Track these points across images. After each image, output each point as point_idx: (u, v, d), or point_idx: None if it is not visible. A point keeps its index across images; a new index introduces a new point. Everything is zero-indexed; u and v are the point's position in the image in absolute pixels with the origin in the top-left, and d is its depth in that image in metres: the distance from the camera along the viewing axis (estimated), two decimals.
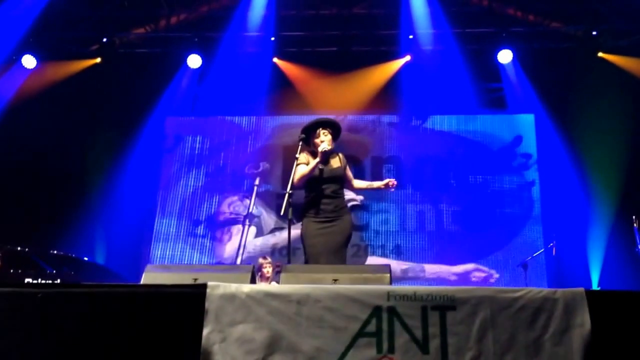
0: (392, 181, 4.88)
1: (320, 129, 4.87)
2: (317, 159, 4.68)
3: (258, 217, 9.08)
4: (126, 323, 2.95)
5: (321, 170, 4.73)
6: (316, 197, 4.71)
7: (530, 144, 9.09)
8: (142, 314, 2.96)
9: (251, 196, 9.01)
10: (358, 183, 5.11)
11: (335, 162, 4.87)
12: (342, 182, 4.85)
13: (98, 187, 8.79)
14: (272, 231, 9.04)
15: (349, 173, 5.00)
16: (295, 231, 4.67)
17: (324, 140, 4.79)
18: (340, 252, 4.59)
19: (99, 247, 8.63)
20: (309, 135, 4.90)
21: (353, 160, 8.96)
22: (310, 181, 4.73)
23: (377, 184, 5.06)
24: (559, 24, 8.99)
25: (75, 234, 8.03)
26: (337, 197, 4.74)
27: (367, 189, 5.14)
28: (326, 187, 4.72)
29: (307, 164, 4.73)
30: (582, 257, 8.12)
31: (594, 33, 8.83)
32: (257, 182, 9.05)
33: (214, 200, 9.29)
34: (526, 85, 9.02)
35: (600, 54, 8.87)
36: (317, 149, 4.74)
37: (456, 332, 2.81)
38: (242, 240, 8.89)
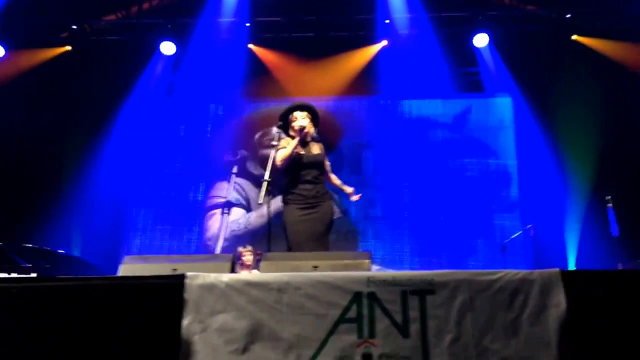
0: (356, 197, 4.90)
1: (297, 112, 4.86)
2: (297, 138, 4.67)
3: (237, 204, 9.03)
4: (104, 316, 2.91)
5: (301, 155, 4.72)
6: (297, 183, 4.70)
7: (507, 127, 9.14)
8: (120, 307, 2.93)
9: (229, 183, 8.99)
10: (334, 178, 5.06)
11: (316, 149, 4.85)
12: (322, 168, 4.83)
13: (72, 178, 8.65)
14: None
15: (328, 164, 4.98)
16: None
17: (301, 121, 4.79)
18: (323, 239, 4.59)
19: (74, 239, 8.53)
20: (286, 121, 4.88)
21: (331, 146, 9.01)
22: (291, 166, 4.71)
23: (346, 189, 5.01)
24: (534, 6, 9.04)
25: (50, 226, 7.93)
26: (318, 182, 4.73)
27: (338, 188, 5.07)
28: (306, 172, 4.71)
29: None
30: (559, 238, 8.24)
31: (568, 16, 8.90)
32: (234, 169, 9.03)
33: (192, 189, 9.21)
34: (502, 69, 9.08)
35: (574, 37, 8.96)
36: (295, 132, 4.73)
37: (436, 315, 2.84)
38: (222, 228, 8.86)
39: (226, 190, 9.14)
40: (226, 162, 9.25)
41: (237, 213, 9.01)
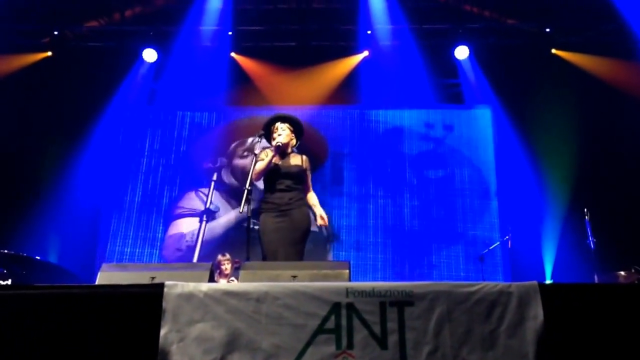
0: (321, 222, 4.77)
1: (279, 123, 4.87)
2: (272, 154, 4.68)
3: (216, 212, 9.00)
4: (82, 325, 2.89)
5: (278, 166, 4.73)
6: (271, 192, 4.71)
7: (487, 138, 9.22)
8: (97, 315, 2.91)
9: (209, 191, 8.95)
10: (310, 197, 4.93)
11: (295, 160, 4.85)
12: (298, 178, 4.80)
13: (50, 183, 8.54)
14: (232, 226, 8.96)
15: (308, 179, 4.93)
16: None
17: (281, 134, 4.80)
18: (297, 247, 4.56)
19: (51, 246, 8.41)
20: (268, 130, 4.89)
21: (313, 155, 9.01)
22: (267, 177, 4.73)
23: (317, 211, 4.84)
24: (514, 20, 9.17)
25: (27, 232, 7.81)
26: (290, 190, 4.72)
27: (311, 207, 4.95)
28: (280, 182, 4.72)
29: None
30: (536, 250, 8.32)
31: (548, 30, 9.05)
32: (214, 177, 9.00)
33: (171, 196, 9.14)
34: (482, 81, 9.18)
35: (553, 51, 9.11)
36: (273, 145, 4.75)
37: (414, 327, 2.85)
38: (200, 237, 8.81)
39: (197, 198, 9.09)
40: (206, 169, 9.21)
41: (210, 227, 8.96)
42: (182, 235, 8.87)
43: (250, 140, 4.75)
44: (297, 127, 4.94)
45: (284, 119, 4.91)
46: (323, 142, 9.29)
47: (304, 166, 4.87)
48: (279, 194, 4.68)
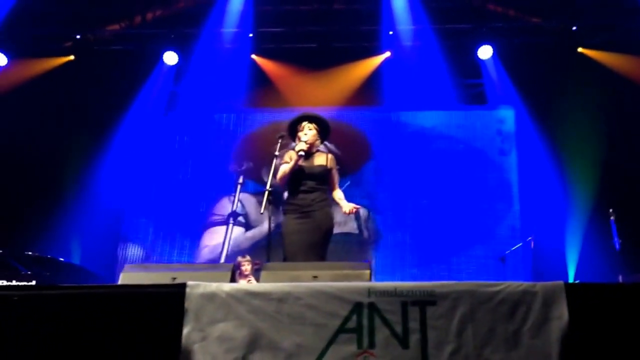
0: (354, 208, 4.73)
1: (305, 122, 4.86)
2: (295, 159, 4.66)
3: (242, 214, 9.02)
4: (104, 324, 2.91)
5: (302, 167, 4.71)
6: (294, 194, 4.69)
7: (510, 139, 9.14)
8: (120, 315, 2.94)
9: (235, 194, 8.97)
10: (336, 193, 4.89)
11: (320, 160, 4.82)
12: (322, 178, 4.77)
13: (73, 186, 8.65)
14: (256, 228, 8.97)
15: (334, 178, 4.90)
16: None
17: (307, 134, 4.78)
18: (317, 248, 4.54)
19: (74, 247, 8.51)
20: (294, 130, 4.88)
21: (353, 156, 9.04)
22: (290, 177, 4.72)
23: (343, 204, 4.79)
24: (539, 19, 9.03)
25: (51, 234, 7.92)
26: (313, 191, 4.69)
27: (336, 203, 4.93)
28: (304, 183, 4.70)
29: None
30: (559, 250, 8.20)
31: (574, 28, 8.90)
32: (240, 180, 9.02)
33: (194, 199, 9.19)
34: (506, 81, 9.07)
35: (580, 49, 8.95)
36: (298, 146, 4.73)
37: (436, 326, 2.83)
38: (227, 239, 8.83)
39: (230, 203, 9.11)
40: (231, 173, 9.24)
41: (236, 231, 8.97)
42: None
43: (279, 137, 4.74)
44: (323, 127, 4.92)
45: (310, 118, 4.90)
46: (365, 146, 9.26)
47: (329, 165, 4.82)
48: (301, 195, 4.66)
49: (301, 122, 4.86)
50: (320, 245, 4.59)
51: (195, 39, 9.00)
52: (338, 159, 5.06)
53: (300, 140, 4.77)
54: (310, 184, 4.70)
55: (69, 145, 8.79)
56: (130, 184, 9.16)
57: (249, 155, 9.30)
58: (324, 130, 4.94)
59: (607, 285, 3.03)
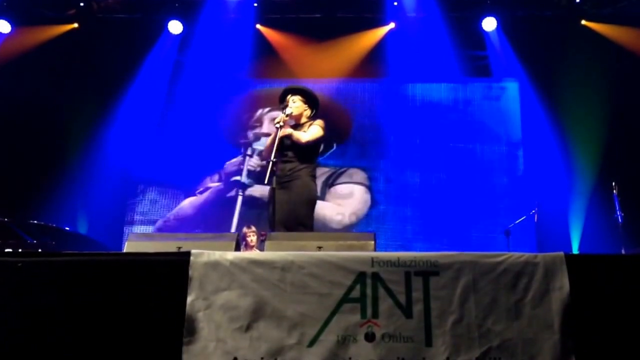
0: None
1: (290, 95, 4.87)
2: (274, 132, 4.62)
3: (250, 186, 9.02)
4: (109, 292, 2.94)
5: (288, 137, 4.68)
6: (277, 164, 4.61)
7: (514, 111, 9.09)
8: (125, 283, 2.96)
9: (243, 165, 8.98)
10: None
11: (305, 129, 4.80)
12: (300, 149, 4.71)
13: (78, 155, 8.68)
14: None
15: (304, 131, 4.79)
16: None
17: (290, 107, 4.78)
18: (301, 218, 4.53)
19: (80, 216, 8.56)
20: (282, 103, 4.89)
21: (338, 128, 9.01)
22: (277, 149, 4.64)
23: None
24: None
25: (56, 203, 7.96)
26: (291, 161, 4.68)
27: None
28: (285, 154, 4.69)
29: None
30: (563, 224, 8.23)
31: (577, 1, 8.80)
32: (249, 151, 9.02)
33: (202, 169, 9.20)
34: (510, 53, 9.00)
35: (583, 22, 8.86)
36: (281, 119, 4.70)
37: (439, 296, 2.85)
38: (236, 209, 8.84)
39: (240, 171, 9.12)
40: (236, 142, 9.25)
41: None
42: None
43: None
44: (309, 97, 4.92)
45: (294, 91, 4.91)
46: (346, 116, 9.25)
47: (313, 130, 4.76)
48: (280, 165, 4.65)
49: (286, 95, 4.88)
50: (304, 215, 4.57)
51: (200, 8, 8.92)
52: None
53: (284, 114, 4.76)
54: (290, 154, 4.70)
55: (74, 113, 8.80)
56: (135, 153, 9.15)
57: (254, 126, 9.29)
58: (312, 101, 4.94)
59: (608, 256, 3.04)
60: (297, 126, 4.82)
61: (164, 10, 9.08)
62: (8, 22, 8.73)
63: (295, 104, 4.83)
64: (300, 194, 4.60)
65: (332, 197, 8.87)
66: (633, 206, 6.49)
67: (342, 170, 9.05)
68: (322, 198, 8.70)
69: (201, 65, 9.32)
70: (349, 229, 8.63)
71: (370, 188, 8.93)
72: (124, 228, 8.86)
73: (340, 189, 8.93)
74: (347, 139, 9.13)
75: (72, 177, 8.47)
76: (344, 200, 8.88)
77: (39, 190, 8.12)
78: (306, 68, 9.21)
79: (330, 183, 8.95)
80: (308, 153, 4.76)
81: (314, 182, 4.75)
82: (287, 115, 4.68)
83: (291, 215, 4.52)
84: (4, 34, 8.77)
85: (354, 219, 8.79)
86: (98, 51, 9.05)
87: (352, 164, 9.02)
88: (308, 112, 4.92)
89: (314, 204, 4.72)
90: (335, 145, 9.06)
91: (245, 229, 7.09)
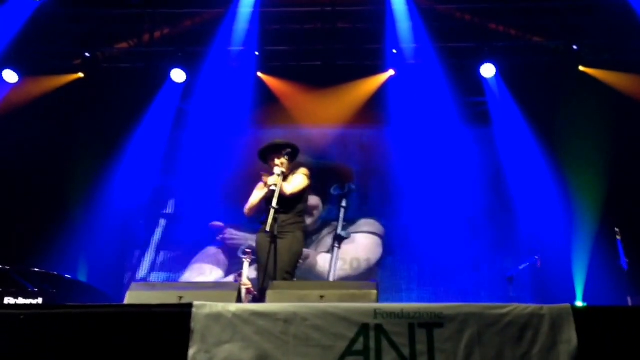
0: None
1: (272, 154, 5.04)
2: (265, 190, 4.84)
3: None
4: (111, 344, 2.92)
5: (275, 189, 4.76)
6: (266, 213, 4.70)
7: (513, 159, 9.11)
8: (127, 335, 2.94)
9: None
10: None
11: (290, 179, 4.97)
12: (293, 200, 4.90)
13: (81, 203, 8.67)
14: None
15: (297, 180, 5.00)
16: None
17: (280, 168, 4.87)
18: (286, 269, 4.61)
19: (81, 264, 8.50)
20: (264, 158, 5.13)
21: (340, 175, 9.03)
22: (266, 199, 4.86)
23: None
24: (541, 38, 9.06)
25: (57, 251, 7.91)
26: (285, 212, 4.82)
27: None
28: (278, 203, 4.70)
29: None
30: (566, 271, 8.14)
31: (575, 47, 8.93)
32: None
33: (199, 216, 9.17)
34: (509, 99, 9.08)
35: (581, 68, 8.96)
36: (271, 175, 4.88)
37: (443, 349, 2.82)
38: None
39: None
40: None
41: None
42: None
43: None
44: (292, 154, 5.05)
45: (277, 148, 5.04)
46: (348, 169, 9.29)
47: (298, 180, 4.99)
48: (276, 215, 4.66)
49: (270, 154, 5.05)
50: (288, 264, 4.66)
51: (203, 57, 9.05)
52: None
53: (273, 173, 4.87)
54: (283, 205, 4.76)
55: (77, 162, 8.83)
56: (137, 201, 9.14)
57: (255, 173, 9.28)
58: (293, 153, 5.07)
59: (616, 309, 3.02)
60: (284, 178, 4.90)
61: (168, 59, 9.20)
62: (15, 72, 8.84)
63: (284, 165, 4.94)
64: (293, 247, 4.76)
65: (344, 247, 8.75)
66: (638, 252, 6.43)
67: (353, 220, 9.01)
68: (332, 250, 8.68)
69: (204, 112, 9.39)
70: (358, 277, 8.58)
71: (382, 237, 8.87)
72: (125, 275, 8.79)
73: (353, 238, 8.85)
74: (348, 185, 9.11)
75: (74, 225, 8.44)
76: (356, 249, 8.81)
77: (40, 238, 8.08)
78: (307, 115, 9.29)
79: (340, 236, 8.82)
80: (293, 203, 4.91)
81: (304, 235, 4.95)
82: (278, 176, 4.79)
83: (280, 264, 4.61)
84: (11, 83, 8.87)
85: (364, 266, 8.72)
86: (103, 100, 9.15)
87: (355, 214, 8.96)
88: (288, 165, 5.03)
89: (300, 257, 4.89)
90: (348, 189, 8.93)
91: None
